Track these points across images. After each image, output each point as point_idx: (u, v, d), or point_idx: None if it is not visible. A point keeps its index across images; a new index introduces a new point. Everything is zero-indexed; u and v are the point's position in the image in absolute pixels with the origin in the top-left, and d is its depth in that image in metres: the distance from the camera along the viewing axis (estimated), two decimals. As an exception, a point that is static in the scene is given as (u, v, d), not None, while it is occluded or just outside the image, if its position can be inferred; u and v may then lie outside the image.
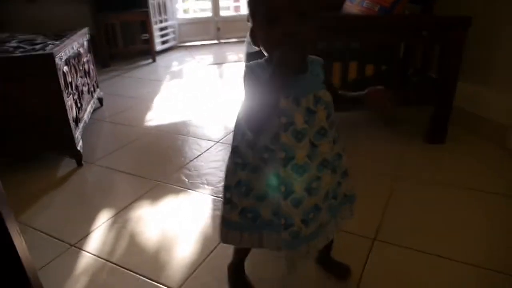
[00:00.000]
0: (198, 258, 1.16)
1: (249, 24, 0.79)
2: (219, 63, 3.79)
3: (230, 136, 1.96)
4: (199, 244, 1.23)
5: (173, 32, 4.39)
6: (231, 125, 2.48)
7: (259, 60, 0.81)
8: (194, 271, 1.11)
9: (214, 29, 4.72)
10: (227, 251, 1.17)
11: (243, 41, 4.64)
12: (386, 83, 1.69)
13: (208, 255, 1.17)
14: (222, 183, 0.89)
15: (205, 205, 1.44)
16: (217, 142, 1.96)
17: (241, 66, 3.32)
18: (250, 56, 1.69)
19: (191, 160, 1.77)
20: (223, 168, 1.64)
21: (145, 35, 3.92)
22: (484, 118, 1.84)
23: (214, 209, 1.40)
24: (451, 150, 1.77)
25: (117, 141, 2.02)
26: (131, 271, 1.13)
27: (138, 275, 1.11)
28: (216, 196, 1.48)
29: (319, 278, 1.07)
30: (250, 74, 0.79)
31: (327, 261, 1.09)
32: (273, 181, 0.81)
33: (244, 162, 0.84)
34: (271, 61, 0.76)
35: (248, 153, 0.82)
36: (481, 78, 1.86)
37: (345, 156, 0.87)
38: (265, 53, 0.79)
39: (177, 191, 1.53)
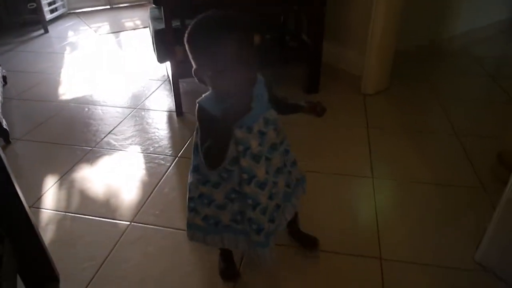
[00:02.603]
0: (142, 198, 1.51)
1: (192, 64, 0.84)
2: (116, 31, 3.85)
3: (146, 102, 2.26)
4: (140, 189, 1.57)
5: (61, -1, 4.23)
6: (141, 92, 2.74)
7: (207, 94, 0.87)
8: (142, 207, 1.47)
9: (105, -6, 4.64)
10: (164, 191, 1.55)
11: (137, 5, 4.68)
12: (271, 49, 2.13)
13: (150, 195, 1.53)
14: (187, 196, 1.01)
15: (138, 160, 1.76)
16: (135, 108, 2.23)
17: (147, 33, 3.46)
18: (158, 33, 1.97)
19: (115, 127, 2.04)
20: (147, 130, 1.97)
21: (31, 4, 3.74)
22: (344, 70, 2.43)
23: (146, 163, 1.74)
24: (324, 97, 2.31)
25: (37, 117, 2.15)
26: (89, 215, 1.44)
27: (96, 218, 1.43)
28: (145, 153, 1.81)
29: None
30: (203, 111, 0.84)
31: (297, 234, 1.25)
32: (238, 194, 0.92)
33: (204, 179, 0.93)
34: (220, 97, 0.83)
35: (207, 172, 0.91)
36: (339, 39, 2.41)
37: (290, 148, 1.00)
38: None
39: (110, 153, 1.81)
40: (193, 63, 0.83)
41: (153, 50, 2.17)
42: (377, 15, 2.09)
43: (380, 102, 2.26)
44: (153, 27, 2.02)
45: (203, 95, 0.88)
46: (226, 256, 1.19)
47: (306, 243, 1.24)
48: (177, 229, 1.36)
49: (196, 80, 0.85)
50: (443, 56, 2.88)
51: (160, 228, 1.37)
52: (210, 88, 0.85)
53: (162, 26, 1.93)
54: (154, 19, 2.15)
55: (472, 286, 1.15)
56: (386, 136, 1.92)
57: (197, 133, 0.90)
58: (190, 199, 0.99)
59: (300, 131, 1.94)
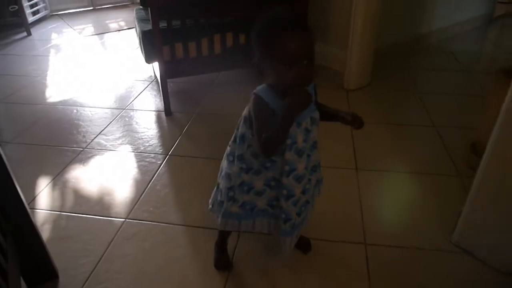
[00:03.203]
0: (136, 196, 1.56)
1: (256, 53, 0.88)
2: (101, 33, 3.85)
3: (135, 103, 2.29)
4: (133, 187, 1.62)
5: (43, 1, 4.20)
6: (128, 93, 2.76)
7: (264, 86, 0.91)
8: (135, 204, 1.51)
9: (87, -5, 4.62)
10: (157, 188, 1.60)
11: (120, 6, 4.68)
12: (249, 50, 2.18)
13: (143, 192, 1.57)
14: (224, 185, 1.05)
15: (129, 159, 1.80)
16: (124, 109, 2.27)
17: (133, 35, 3.47)
18: (146, 34, 2.01)
19: (105, 127, 2.07)
20: (136, 130, 2.00)
21: (13, 6, 3.71)
22: (327, 67, 2.51)
23: (138, 161, 1.78)
24: (308, 93, 2.38)
25: (25, 120, 2.17)
26: (84, 214, 1.47)
27: (91, 216, 1.47)
28: (136, 152, 1.85)
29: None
30: (261, 102, 0.89)
31: None
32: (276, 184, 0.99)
33: (248, 167, 0.99)
34: (280, 89, 0.88)
35: (252, 160, 0.98)
36: (322, 36, 2.49)
37: (318, 149, 1.02)
38: (272, 81, 0.89)
39: (102, 153, 1.85)
40: (258, 54, 0.88)
41: (140, 51, 2.20)
42: (357, 13, 2.17)
43: (362, 97, 2.34)
44: (140, 28, 2.06)
45: (257, 87, 0.93)
46: (220, 246, 1.25)
47: (300, 245, 1.27)
48: (171, 224, 1.41)
49: (258, 71, 0.90)
50: (422, 52, 2.99)
51: (155, 223, 1.42)
52: (270, 79, 0.89)
53: (149, 27, 1.97)
54: (140, 20, 2.19)
55: (450, 266, 1.24)
56: (369, 129, 1.99)
57: (244, 123, 0.96)
58: (230, 188, 1.02)
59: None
